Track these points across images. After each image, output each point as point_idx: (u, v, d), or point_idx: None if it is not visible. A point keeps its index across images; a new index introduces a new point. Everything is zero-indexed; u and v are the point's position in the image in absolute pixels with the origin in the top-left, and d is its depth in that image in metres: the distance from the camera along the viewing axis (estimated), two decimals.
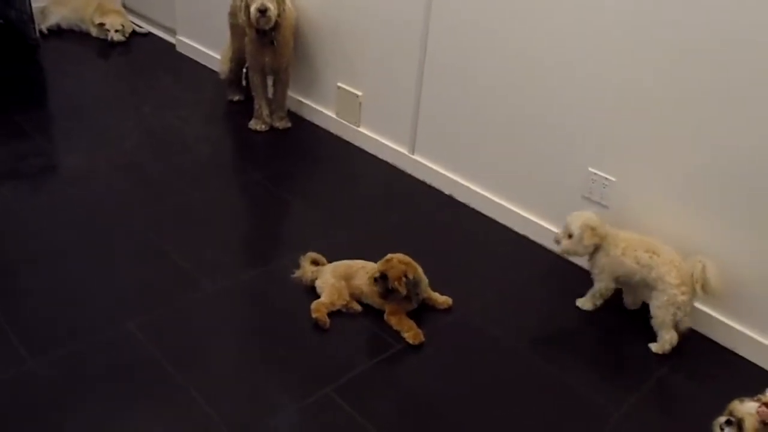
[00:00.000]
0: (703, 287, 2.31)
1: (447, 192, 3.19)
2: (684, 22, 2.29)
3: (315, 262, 2.59)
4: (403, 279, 2.36)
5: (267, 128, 3.67)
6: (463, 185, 3.12)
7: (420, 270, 2.45)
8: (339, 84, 3.57)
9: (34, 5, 4.28)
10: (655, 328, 2.40)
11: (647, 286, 2.41)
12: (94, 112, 3.77)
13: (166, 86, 4.15)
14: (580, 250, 2.45)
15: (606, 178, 2.64)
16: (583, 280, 2.62)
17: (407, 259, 2.42)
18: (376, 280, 2.38)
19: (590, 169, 2.68)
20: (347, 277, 2.49)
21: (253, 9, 3.28)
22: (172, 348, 2.26)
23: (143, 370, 2.18)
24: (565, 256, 2.61)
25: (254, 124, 3.67)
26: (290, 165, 3.42)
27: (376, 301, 2.47)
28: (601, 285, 2.51)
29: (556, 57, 2.66)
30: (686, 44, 2.30)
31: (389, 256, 2.41)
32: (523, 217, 2.95)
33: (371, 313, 2.47)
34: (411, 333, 2.35)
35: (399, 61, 3.22)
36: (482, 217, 3.07)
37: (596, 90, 2.58)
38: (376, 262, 2.48)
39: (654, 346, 2.40)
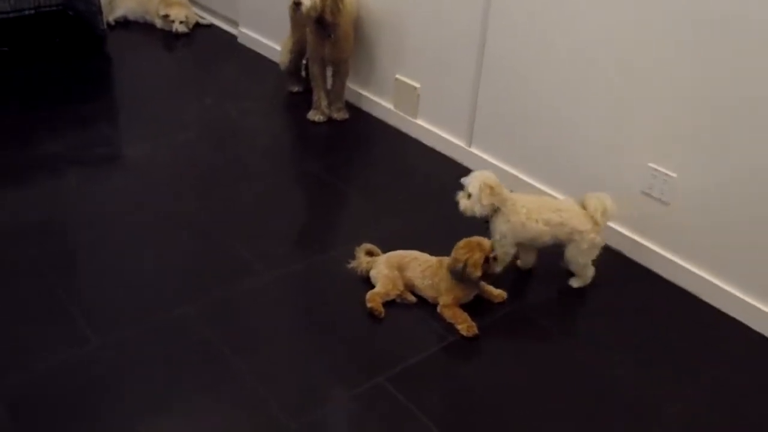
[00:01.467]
0: (603, 215, 2.48)
1: (505, 185, 3.16)
2: (750, 17, 2.23)
3: (369, 253, 2.60)
4: (481, 263, 2.36)
5: (325, 119, 3.70)
6: (519, 179, 3.10)
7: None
8: (397, 76, 3.57)
9: None
10: (578, 272, 2.58)
11: (559, 242, 2.52)
12: (157, 102, 3.86)
13: (228, 77, 4.22)
14: (478, 209, 2.46)
15: (667, 174, 2.59)
16: (643, 274, 2.57)
17: (484, 242, 2.42)
18: (455, 270, 2.37)
19: (650, 164, 2.63)
20: (401, 268, 2.50)
21: (290, 1, 3.32)
22: (229, 333, 2.31)
23: (201, 354, 2.23)
24: (466, 215, 2.55)
25: (313, 115, 3.70)
26: (347, 156, 3.44)
27: (428, 294, 2.47)
28: (503, 251, 2.52)
29: (615, 51, 2.62)
30: (753, 39, 2.24)
31: (465, 240, 2.41)
32: None
33: (426, 304, 2.47)
34: (465, 325, 2.35)
35: (457, 53, 3.21)
36: None
37: (657, 84, 2.53)
38: (430, 253, 2.49)
39: (576, 282, 2.60)
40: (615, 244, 2.80)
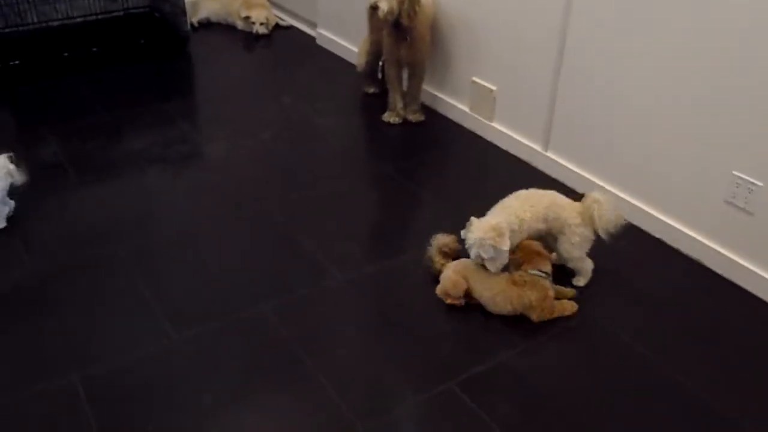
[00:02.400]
0: (600, 220, 2.48)
1: (580, 191, 3.11)
2: None
3: (445, 251, 2.58)
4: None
5: (400, 121, 3.71)
6: (597, 184, 3.04)
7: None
8: (473, 78, 3.56)
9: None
10: (575, 266, 2.57)
11: (551, 236, 2.55)
12: (236, 101, 3.94)
13: (306, 78, 4.28)
14: (504, 257, 2.39)
15: (752, 183, 2.50)
16: (723, 285, 2.50)
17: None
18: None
19: (735, 172, 2.54)
20: (465, 277, 2.47)
21: (368, 4, 3.33)
22: (302, 333, 2.35)
23: (274, 352, 2.27)
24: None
25: (388, 117, 3.72)
26: (422, 158, 3.45)
27: (494, 308, 2.45)
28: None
29: (702, 55, 2.54)
30: None
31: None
32: (659, 219, 2.84)
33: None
34: (565, 306, 2.44)
35: (535, 56, 3.17)
36: None
37: (745, 89, 2.44)
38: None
39: (581, 280, 2.58)
40: (695, 254, 2.73)
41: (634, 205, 2.92)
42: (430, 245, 2.60)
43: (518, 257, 2.44)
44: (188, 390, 2.13)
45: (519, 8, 3.19)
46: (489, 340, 2.35)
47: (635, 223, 2.92)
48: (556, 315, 2.42)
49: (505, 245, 2.35)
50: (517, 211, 2.47)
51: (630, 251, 2.79)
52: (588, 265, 2.58)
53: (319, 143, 3.55)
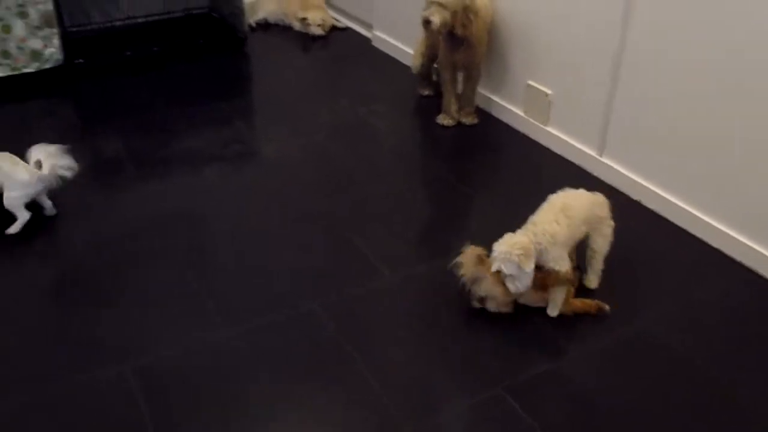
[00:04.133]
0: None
1: (635, 197, 3.07)
2: None
3: (479, 260, 2.47)
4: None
5: (454, 123, 3.70)
6: (653, 191, 2.99)
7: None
8: (529, 82, 3.53)
9: (245, 0, 4.59)
10: (598, 265, 2.53)
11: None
12: (292, 102, 3.99)
13: (361, 79, 4.30)
14: (526, 279, 2.28)
15: None
16: None
17: None
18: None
19: None
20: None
21: (421, 17, 3.35)
22: (351, 331, 2.36)
23: (323, 349, 2.29)
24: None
25: (442, 119, 3.72)
26: (475, 161, 3.43)
27: (533, 299, 2.42)
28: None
29: None
30: None
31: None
32: (718, 229, 2.77)
33: (546, 317, 2.43)
34: (595, 304, 2.42)
35: (593, 60, 3.13)
36: (671, 226, 2.92)
37: None
38: None
39: (594, 281, 2.54)
40: (756, 266, 2.65)
41: (690, 213, 2.86)
42: (463, 253, 2.48)
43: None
44: (238, 384, 2.16)
45: (577, 11, 3.15)
46: (539, 346, 2.33)
47: (692, 231, 2.86)
48: (580, 307, 2.42)
49: (529, 267, 2.26)
50: (548, 227, 2.34)
51: (685, 260, 2.74)
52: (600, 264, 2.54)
53: (373, 144, 3.56)
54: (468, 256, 2.40)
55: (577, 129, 3.33)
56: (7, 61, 3.92)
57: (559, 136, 3.42)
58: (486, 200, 3.12)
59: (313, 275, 2.63)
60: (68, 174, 2.86)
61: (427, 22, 3.34)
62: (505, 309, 2.42)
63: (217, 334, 2.34)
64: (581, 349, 2.31)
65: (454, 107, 3.69)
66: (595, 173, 3.24)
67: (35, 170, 2.80)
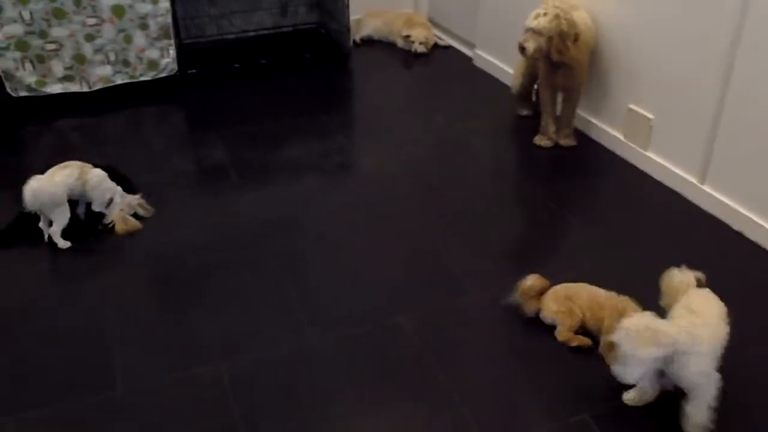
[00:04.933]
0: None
1: (736, 228, 2.98)
2: None
3: (536, 291, 2.50)
4: None
5: (551, 145, 3.69)
6: (757, 223, 2.89)
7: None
8: (630, 105, 3.48)
9: (351, 17, 4.71)
10: None
11: None
12: (391, 117, 4.06)
13: (460, 97, 4.34)
14: (635, 371, 1.91)
15: None
16: None
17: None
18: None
19: None
20: (569, 299, 2.43)
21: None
22: (436, 347, 2.39)
23: (410, 364, 2.33)
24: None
25: (539, 140, 3.71)
26: (571, 183, 3.41)
27: (592, 327, 2.39)
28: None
29: None
30: None
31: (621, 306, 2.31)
32: None
33: None
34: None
35: (698, 85, 3.06)
36: None
37: None
38: (631, 292, 2.38)
39: None
40: None
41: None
42: (521, 287, 2.51)
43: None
44: (324, 390, 2.23)
45: (684, 35, 3.09)
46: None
47: None
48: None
49: (646, 355, 1.89)
50: (696, 329, 1.96)
51: None
52: None
53: (469, 162, 3.59)
54: (527, 292, 2.49)
55: (678, 155, 3.26)
56: (127, 69, 4.17)
57: (659, 162, 3.36)
58: (578, 223, 3.09)
59: (402, 289, 2.67)
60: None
61: (522, 49, 3.39)
62: (561, 338, 2.40)
63: (306, 340, 2.42)
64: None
65: (552, 128, 3.68)
66: (696, 201, 3.16)
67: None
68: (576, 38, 3.36)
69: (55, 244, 2.88)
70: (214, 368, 2.30)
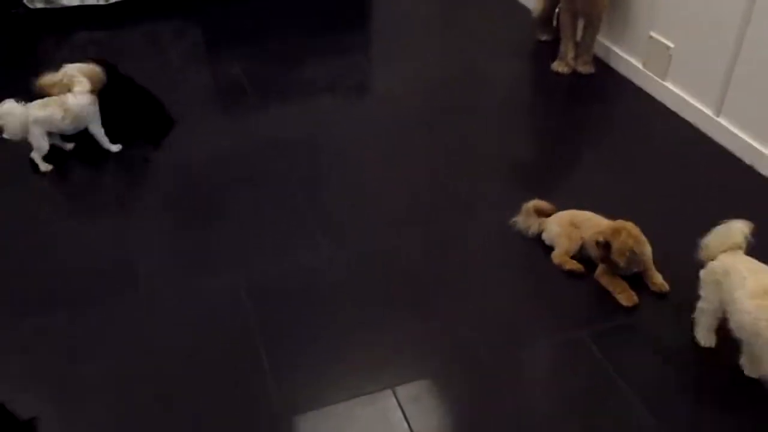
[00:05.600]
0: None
1: (747, 161, 2.99)
2: None
3: (540, 212, 2.57)
4: (627, 254, 2.27)
5: (569, 72, 3.67)
6: None
7: (648, 248, 2.34)
8: (651, 33, 3.44)
9: None
10: None
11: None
12: (409, 38, 4.04)
13: (481, 20, 4.29)
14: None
15: None
16: None
17: (637, 232, 2.31)
18: (598, 243, 2.30)
19: None
20: (573, 225, 2.47)
21: None
22: (442, 268, 2.47)
23: (413, 280, 2.41)
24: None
25: (557, 66, 3.69)
26: (586, 111, 3.41)
27: (597, 255, 2.41)
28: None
29: None
30: None
31: (620, 225, 2.31)
32: None
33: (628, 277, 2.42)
34: (624, 295, 2.31)
35: (719, 15, 3.02)
36: None
37: None
38: (643, 223, 2.39)
39: None
40: None
41: None
42: (524, 207, 2.59)
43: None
44: (333, 303, 2.32)
45: None
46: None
47: None
48: (608, 284, 2.35)
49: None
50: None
51: None
52: None
53: (485, 86, 3.58)
54: (529, 211, 2.56)
55: (695, 86, 3.24)
56: None
57: (676, 93, 3.34)
58: (592, 151, 3.11)
59: (410, 208, 2.73)
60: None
61: None
62: (557, 261, 2.46)
63: (319, 255, 2.50)
64: (670, 305, 2.31)
65: (570, 54, 3.65)
66: (709, 134, 3.16)
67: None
68: None
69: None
70: (232, 277, 2.40)
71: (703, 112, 3.19)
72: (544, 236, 2.54)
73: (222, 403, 2.00)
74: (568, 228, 2.48)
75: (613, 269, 2.35)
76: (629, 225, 2.33)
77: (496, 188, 2.85)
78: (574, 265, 2.43)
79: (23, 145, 2.91)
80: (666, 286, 2.35)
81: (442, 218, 2.69)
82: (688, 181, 2.90)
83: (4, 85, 3.41)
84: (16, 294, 2.36)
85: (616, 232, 2.29)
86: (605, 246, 2.30)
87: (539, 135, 3.25)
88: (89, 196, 2.86)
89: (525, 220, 2.58)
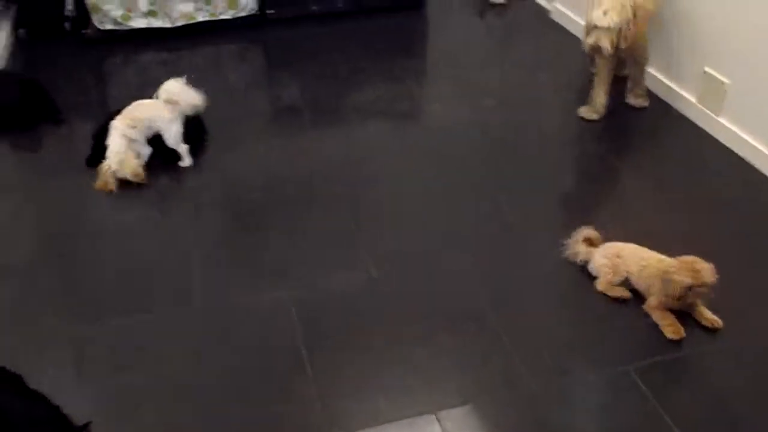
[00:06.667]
0: None
1: None
2: None
3: (588, 242, 2.60)
4: (706, 291, 2.30)
5: (599, 118, 3.56)
6: None
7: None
8: (706, 68, 3.43)
9: None
10: None
11: None
12: (462, 65, 4.09)
13: (533, 50, 4.32)
14: None
15: None
16: None
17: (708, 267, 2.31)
18: (690, 288, 2.28)
19: None
20: (618, 257, 2.49)
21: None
22: (492, 288, 2.51)
23: (459, 302, 2.46)
24: None
25: (584, 112, 3.59)
26: (638, 144, 3.42)
27: (641, 287, 2.43)
28: None
29: None
30: None
31: (698, 263, 2.30)
32: None
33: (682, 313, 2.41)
34: (671, 328, 2.31)
35: None
36: None
37: None
38: (681, 260, 2.35)
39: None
40: None
41: None
42: (573, 235, 2.62)
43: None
44: (384, 321, 2.38)
45: None
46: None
47: None
48: (658, 317, 2.35)
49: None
50: None
51: None
52: None
53: (536, 116, 3.61)
54: (578, 239, 2.60)
55: (751, 123, 3.22)
56: (208, 7, 4.29)
57: (732, 129, 3.32)
58: (642, 184, 3.10)
59: (459, 233, 2.78)
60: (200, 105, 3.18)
61: (597, 49, 3.27)
62: (601, 288, 2.48)
63: (363, 276, 2.56)
64: (721, 342, 2.31)
65: (601, 100, 3.54)
66: (764, 171, 3.14)
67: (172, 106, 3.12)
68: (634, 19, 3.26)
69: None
70: (281, 293, 2.48)
71: (759, 150, 3.17)
72: (590, 266, 2.55)
73: (267, 421, 2.06)
74: (613, 259, 2.50)
75: (669, 304, 2.36)
76: (702, 262, 2.32)
77: (547, 218, 2.87)
78: (622, 292, 2.45)
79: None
80: (719, 322, 2.34)
81: (491, 246, 2.72)
82: (737, 219, 2.88)
83: (76, 100, 3.58)
84: (80, 297, 2.47)
85: (697, 273, 2.28)
86: (689, 287, 2.29)
87: (589, 165, 3.26)
88: (147, 205, 2.96)
89: (574, 246, 2.61)
